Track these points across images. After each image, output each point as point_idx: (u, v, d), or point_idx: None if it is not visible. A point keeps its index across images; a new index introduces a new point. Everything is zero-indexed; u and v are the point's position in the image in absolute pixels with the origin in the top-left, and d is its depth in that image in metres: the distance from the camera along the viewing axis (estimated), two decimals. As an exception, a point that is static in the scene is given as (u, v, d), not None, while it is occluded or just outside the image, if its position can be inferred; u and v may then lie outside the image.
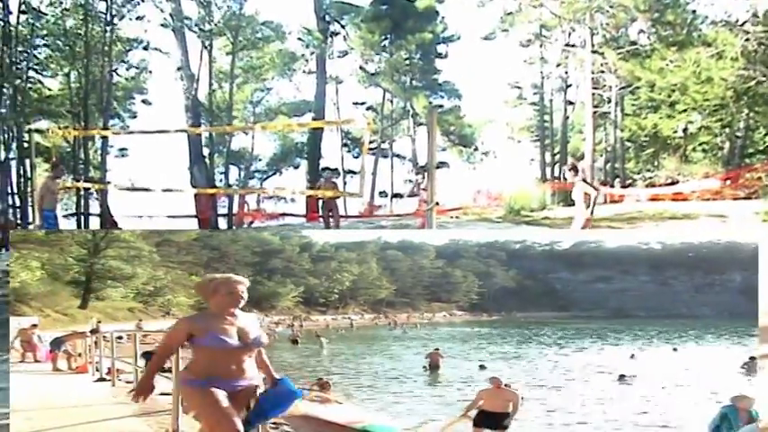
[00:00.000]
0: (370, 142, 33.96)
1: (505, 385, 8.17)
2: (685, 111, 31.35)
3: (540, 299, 65.56)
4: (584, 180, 10.75)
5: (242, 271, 41.50)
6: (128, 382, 8.66)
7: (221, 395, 3.46)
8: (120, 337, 11.87)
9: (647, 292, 67.70)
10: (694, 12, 26.81)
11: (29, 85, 31.87)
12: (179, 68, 35.97)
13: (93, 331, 11.54)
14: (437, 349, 19.04)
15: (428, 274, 59.73)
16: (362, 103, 42.60)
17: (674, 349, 25.72)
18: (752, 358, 16.16)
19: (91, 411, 6.57)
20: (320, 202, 17.12)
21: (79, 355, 11.59)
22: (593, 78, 19.40)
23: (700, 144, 34.74)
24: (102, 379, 9.39)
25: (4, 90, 29.14)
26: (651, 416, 11.12)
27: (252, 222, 29.15)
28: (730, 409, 6.53)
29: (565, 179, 13.63)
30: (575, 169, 10.85)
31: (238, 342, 3.59)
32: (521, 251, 71.80)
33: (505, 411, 7.80)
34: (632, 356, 21.47)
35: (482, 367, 17.80)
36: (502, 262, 67.44)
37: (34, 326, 13.91)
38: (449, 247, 65.39)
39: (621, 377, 15.54)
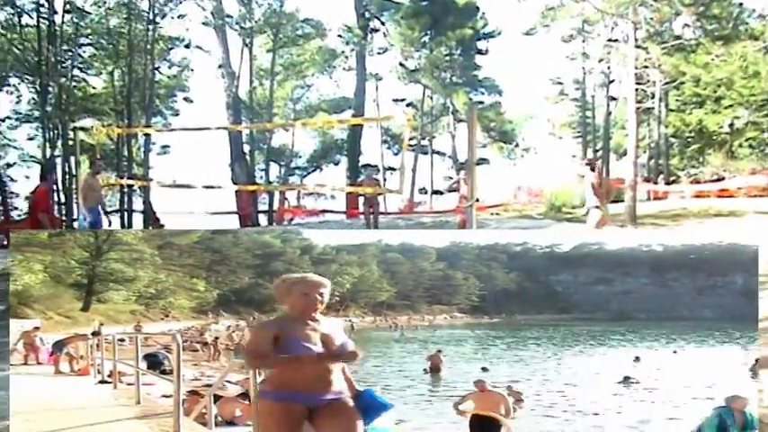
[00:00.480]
0: (410, 139, 33.89)
1: (494, 387, 8.14)
2: (731, 106, 30.98)
3: (540, 301, 65.48)
4: (601, 179, 10.73)
5: (243, 273, 41.82)
6: (129, 385, 8.65)
7: (294, 412, 3.16)
8: (121, 340, 11.87)
9: (649, 294, 67.57)
10: (741, 5, 26.22)
11: (73, 83, 32.21)
12: (220, 66, 36.10)
13: (95, 333, 11.56)
14: (438, 351, 19.01)
15: (429, 276, 59.65)
16: (402, 100, 42.16)
17: (674, 352, 25.66)
18: (757, 361, 16.10)
19: (92, 413, 6.56)
20: (361, 198, 17.09)
21: (81, 357, 11.58)
22: (636, 74, 19.18)
23: (746, 140, 34.43)
24: (103, 381, 9.38)
25: (50, 89, 29.39)
26: (656, 419, 11.10)
27: (292, 219, 29.20)
28: (724, 410, 6.51)
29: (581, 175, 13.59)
30: (591, 166, 10.84)
31: (323, 350, 3.27)
32: (521, 253, 71.71)
33: (496, 415, 7.76)
34: (637, 359, 21.23)
35: (484, 369, 17.72)
36: (503, 264, 67.37)
37: (36, 328, 13.95)
38: (449, 249, 65.33)
39: (626, 379, 15.50)
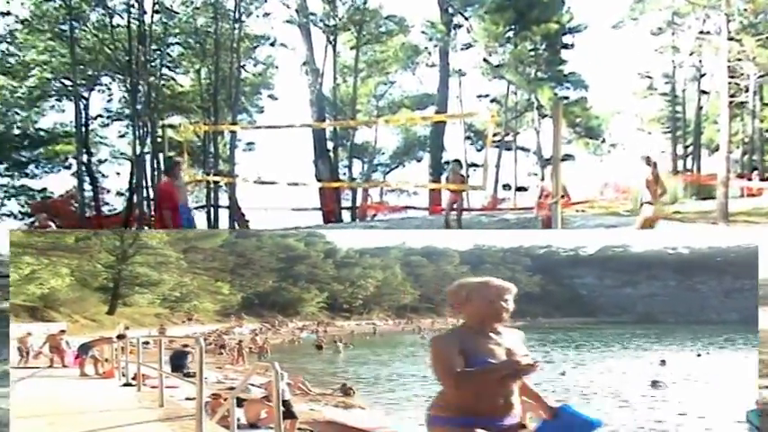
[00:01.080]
0: (494, 135, 33.56)
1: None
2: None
3: (565, 304, 65.08)
4: (657, 175, 10.58)
5: (267, 277, 41.95)
6: (153, 387, 8.67)
7: None
8: (146, 343, 11.90)
9: (675, 296, 66.88)
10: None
11: (162, 82, 32.91)
12: (304, 63, 36.44)
13: (120, 337, 11.59)
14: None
15: (452, 279, 59.00)
16: (486, 96, 41.86)
17: (698, 355, 25.31)
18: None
19: (116, 416, 6.57)
20: (444, 194, 16.82)
21: (106, 360, 11.64)
22: (729, 67, 18.68)
23: None
24: (127, 384, 9.42)
25: (140, 87, 30.01)
26: (685, 422, 10.93)
27: (375, 215, 29.38)
28: (756, 413, 6.43)
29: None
30: (647, 161, 10.67)
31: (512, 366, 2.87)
32: (545, 256, 71.30)
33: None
34: (663, 362, 21.01)
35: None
36: (526, 267, 67.00)
37: (62, 332, 14.03)
38: (473, 252, 65.10)
39: (654, 383, 15.29)
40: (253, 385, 9.50)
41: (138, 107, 30.05)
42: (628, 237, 64.23)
